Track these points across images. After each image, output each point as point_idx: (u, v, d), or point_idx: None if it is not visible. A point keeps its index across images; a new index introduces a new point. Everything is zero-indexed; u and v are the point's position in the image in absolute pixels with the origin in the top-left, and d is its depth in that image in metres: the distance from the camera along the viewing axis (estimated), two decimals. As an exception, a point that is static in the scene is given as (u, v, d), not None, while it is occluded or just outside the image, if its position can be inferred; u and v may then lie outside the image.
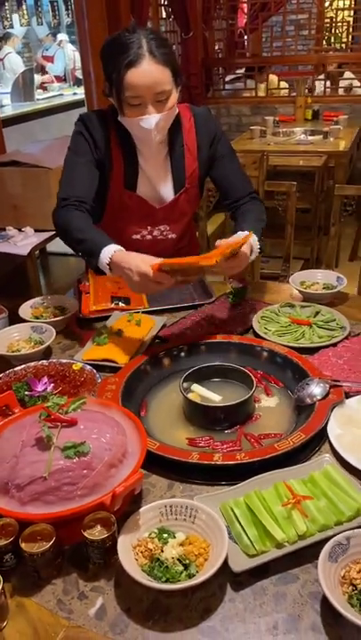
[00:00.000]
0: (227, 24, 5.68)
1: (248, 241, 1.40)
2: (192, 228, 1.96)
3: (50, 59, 8.04)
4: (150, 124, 1.47)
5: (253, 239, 1.48)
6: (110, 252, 1.39)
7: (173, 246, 1.79)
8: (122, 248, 1.41)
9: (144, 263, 1.32)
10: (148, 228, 1.73)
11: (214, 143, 1.68)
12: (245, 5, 5.56)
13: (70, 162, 1.61)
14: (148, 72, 1.41)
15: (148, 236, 1.74)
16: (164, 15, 4.96)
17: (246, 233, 1.43)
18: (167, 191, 1.69)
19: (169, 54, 1.45)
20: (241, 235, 1.45)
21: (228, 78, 5.65)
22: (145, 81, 1.41)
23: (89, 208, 1.57)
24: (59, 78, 8.12)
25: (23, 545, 0.86)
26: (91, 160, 1.59)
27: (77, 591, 0.87)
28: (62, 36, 8.38)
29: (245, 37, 5.98)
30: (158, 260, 1.32)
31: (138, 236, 1.73)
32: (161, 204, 1.70)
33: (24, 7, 7.14)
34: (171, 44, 1.58)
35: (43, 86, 7.69)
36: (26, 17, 7.18)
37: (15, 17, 7.05)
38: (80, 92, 7.20)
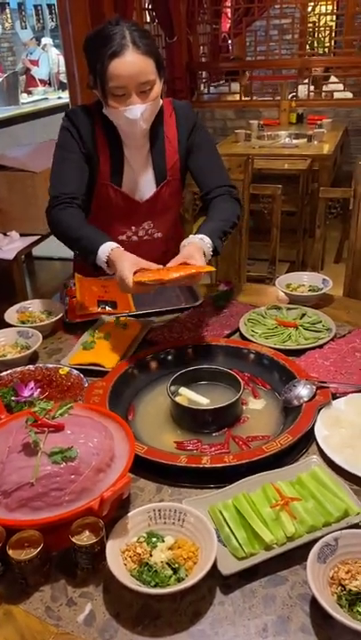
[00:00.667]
0: (211, 28, 5.70)
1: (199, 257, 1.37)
2: (179, 230, 1.96)
3: (34, 62, 8.01)
4: (135, 114, 1.48)
5: (206, 243, 1.43)
6: (108, 249, 1.41)
7: (161, 247, 1.79)
8: (118, 245, 1.43)
9: (129, 270, 1.33)
10: (133, 228, 1.73)
11: (192, 133, 1.68)
12: (229, 10, 5.59)
13: (59, 158, 1.62)
14: (131, 62, 1.42)
15: (134, 237, 1.74)
16: (148, 19, 4.97)
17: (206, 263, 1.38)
18: (149, 184, 1.70)
19: (152, 45, 1.47)
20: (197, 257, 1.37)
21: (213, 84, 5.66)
22: (129, 71, 1.42)
23: (81, 203, 1.58)
24: (43, 82, 8.10)
25: (10, 552, 0.85)
26: (79, 155, 1.60)
27: (66, 597, 0.86)
28: (46, 40, 8.35)
29: (229, 42, 6.01)
30: (146, 264, 1.35)
31: (124, 237, 1.73)
32: (143, 198, 1.70)
33: (7, 11, 7.11)
34: (153, 36, 1.58)
35: (27, 90, 7.65)
36: (9, 21, 7.15)
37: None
38: (65, 97, 7.18)
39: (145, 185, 1.69)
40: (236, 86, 5.53)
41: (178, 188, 1.76)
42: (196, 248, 1.39)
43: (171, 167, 1.68)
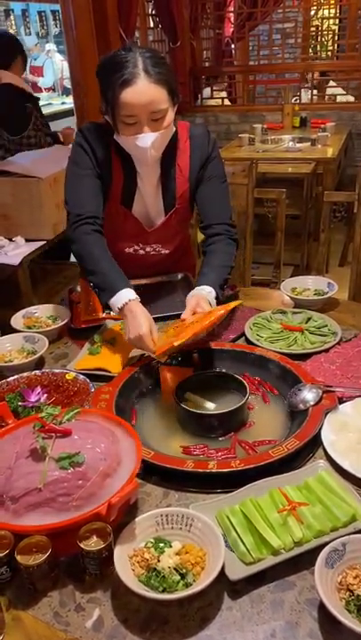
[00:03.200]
0: (214, 33, 5.73)
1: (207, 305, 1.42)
2: (187, 239, 1.95)
3: (39, 69, 8.05)
4: (146, 142, 1.46)
5: (210, 295, 1.47)
6: (125, 299, 1.41)
7: (168, 259, 1.79)
8: (137, 297, 1.43)
9: (147, 327, 1.35)
10: (140, 244, 1.73)
11: (206, 164, 1.65)
12: (232, 15, 5.62)
13: (74, 174, 1.60)
14: (142, 91, 1.39)
15: (141, 251, 1.74)
16: (151, 25, 4.99)
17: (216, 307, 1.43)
18: (158, 212, 1.69)
19: (165, 73, 1.43)
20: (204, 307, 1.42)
21: (215, 88, 5.69)
22: (139, 100, 1.40)
23: (101, 223, 1.57)
24: (47, 88, 8.14)
25: (19, 557, 0.86)
26: (93, 172, 1.58)
27: (74, 603, 0.86)
28: (50, 46, 8.40)
29: (232, 46, 6.03)
30: (161, 341, 1.37)
31: (131, 250, 1.73)
32: (152, 227, 1.69)
33: (12, 17, 7.16)
34: (167, 62, 1.55)
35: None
36: (14, 27, 7.20)
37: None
38: (68, 102, 7.22)
39: (154, 211, 1.69)
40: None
41: (187, 214, 1.75)
42: (203, 298, 1.44)
43: (180, 195, 1.66)
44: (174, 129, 1.58)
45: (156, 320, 1.63)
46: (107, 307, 1.48)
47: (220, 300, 1.50)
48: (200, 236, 2.60)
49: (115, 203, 1.64)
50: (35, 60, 8.16)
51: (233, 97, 5.78)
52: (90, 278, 1.51)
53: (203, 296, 1.45)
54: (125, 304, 1.40)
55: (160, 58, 1.47)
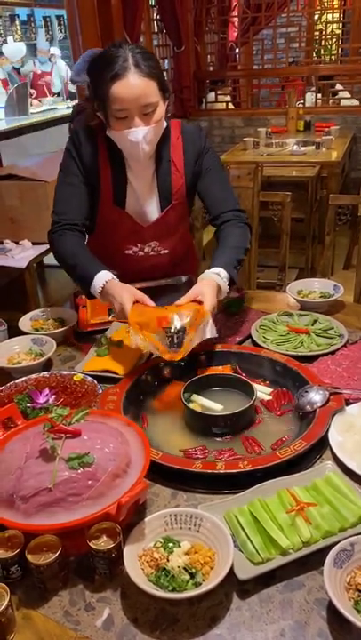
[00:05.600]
0: (218, 37, 5.76)
1: (212, 292, 1.39)
2: (188, 240, 1.96)
3: (47, 73, 8.08)
4: (138, 136, 1.48)
5: (222, 278, 1.45)
6: (102, 281, 1.44)
7: (169, 261, 1.79)
8: (113, 277, 1.45)
9: (128, 299, 1.38)
10: (139, 245, 1.73)
11: (200, 157, 1.66)
12: (236, 19, 5.64)
13: (61, 181, 1.63)
14: (133, 84, 1.41)
15: (140, 252, 1.74)
16: (156, 29, 5.02)
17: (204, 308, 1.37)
18: (154, 207, 1.69)
19: (155, 67, 1.45)
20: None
21: (219, 92, 5.71)
22: (130, 93, 1.42)
23: (81, 228, 1.59)
24: (52, 92, 8.17)
25: (29, 557, 0.86)
26: (79, 177, 1.60)
27: (84, 602, 0.87)
28: (55, 51, 8.44)
29: (237, 50, 6.05)
30: (141, 297, 1.40)
31: (130, 252, 1.73)
32: (148, 223, 1.69)
33: (17, 23, 7.21)
34: (157, 58, 1.57)
35: (37, 99, 7.73)
36: (19, 32, 7.25)
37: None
38: (73, 106, 7.24)
39: (149, 208, 1.68)
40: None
41: (184, 210, 1.75)
42: (209, 285, 1.41)
43: (176, 191, 1.67)
44: (166, 124, 1.59)
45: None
46: (91, 296, 1.49)
47: (234, 282, 1.49)
48: (205, 239, 2.61)
49: (107, 204, 1.65)
50: (42, 64, 8.20)
51: (237, 101, 5.80)
52: (70, 274, 1.53)
53: (211, 283, 1.42)
54: (103, 287, 1.43)
55: (149, 53, 1.50)
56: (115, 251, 1.71)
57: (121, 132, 1.49)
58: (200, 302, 1.37)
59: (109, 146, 1.59)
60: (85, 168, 1.60)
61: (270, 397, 1.30)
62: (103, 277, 1.44)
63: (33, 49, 7.81)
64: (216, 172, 1.69)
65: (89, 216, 1.64)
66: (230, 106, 5.60)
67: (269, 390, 1.32)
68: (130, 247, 1.73)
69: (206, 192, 1.68)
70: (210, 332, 1.36)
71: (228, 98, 5.71)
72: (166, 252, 1.76)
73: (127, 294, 1.39)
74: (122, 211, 1.66)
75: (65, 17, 6.52)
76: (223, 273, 1.45)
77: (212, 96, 5.62)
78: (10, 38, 7.16)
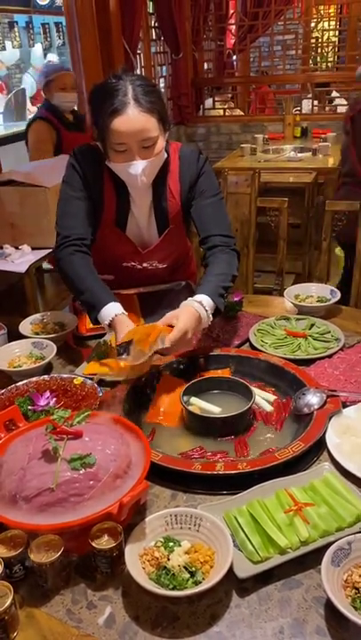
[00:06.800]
0: (216, 45, 5.81)
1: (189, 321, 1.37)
2: (186, 248, 1.93)
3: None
4: (137, 170, 1.47)
5: (204, 306, 1.42)
6: (112, 314, 1.43)
7: (166, 275, 1.80)
8: (123, 312, 1.44)
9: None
10: (137, 261, 1.73)
11: (196, 180, 1.64)
12: (234, 27, 5.69)
13: (65, 196, 1.61)
14: (132, 120, 1.40)
15: (138, 266, 1.74)
16: (154, 37, 5.06)
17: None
18: (152, 233, 1.69)
19: (155, 102, 1.44)
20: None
21: (217, 98, 5.76)
22: (129, 128, 1.41)
23: (89, 244, 1.59)
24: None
25: (32, 556, 0.88)
26: (85, 195, 1.59)
27: (86, 601, 0.88)
28: (52, 57, 8.48)
29: (234, 57, 6.11)
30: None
31: (128, 265, 1.73)
32: (146, 249, 1.70)
33: (16, 29, 7.23)
34: (158, 89, 1.56)
35: (35, 105, 7.77)
36: (18, 39, 7.27)
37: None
38: (71, 112, 7.27)
39: (148, 233, 1.69)
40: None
41: (182, 231, 1.75)
42: (188, 312, 1.39)
43: (173, 217, 1.67)
44: (166, 155, 1.57)
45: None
46: (96, 322, 1.48)
47: (220, 311, 1.47)
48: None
49: (108, 224, 1.64)
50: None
51: (237, 107, 5.84)
52: (77, 298, 1.52)
53: (187, 309, 1.40)
54: (112, 319, 1.42)
55: (151, 85, 1.48)
56: (113, 263, 1.72)
57: (119, 165, 1.49)
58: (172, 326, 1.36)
59: (112, 170, 1.56)
60: (89, 185, 1.59)
61: (272, 409, 1.29)
62: (112, 311, 1.43)
63: (29, 57, 7.84)
64: (211, 194, 1.65)
65: (93, 232, 1.63)
66: (228, 112, 5.64)
67: (273, 399, 1.32)
68: (128, 261, 1.73)
69: (198, 215, 1.65)
70: (161, 342, 1.33)
71: (227, 105, 5.75)
72: (164, 266, 1.77)
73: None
74: (122, 233, 1.66)
75: (63, 24, 6.57)
76: (206, 301, 1.42)
77: (209, 102, 5.67)
78: (8, 45, 7.19)
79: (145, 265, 1.74)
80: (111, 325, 1.44)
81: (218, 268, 1.55)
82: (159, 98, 1.47)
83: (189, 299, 1.44)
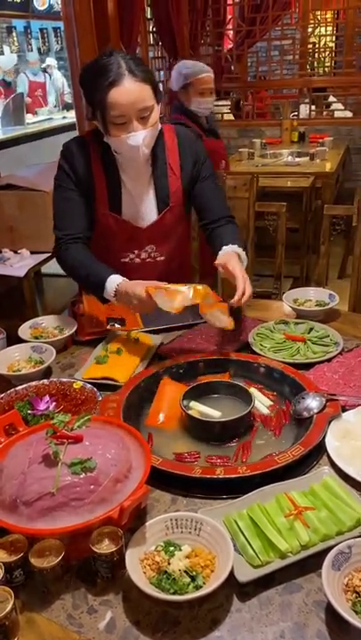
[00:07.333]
0: (213, 50, 5.82)
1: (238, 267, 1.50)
2: (185, 247, 1.98)
3: (41, 85, 8.14)
4: (138, 140, 1.52)
5: (238, 249, 1.60)
6: (114, 283, 1.50)
7: (164, 269, 1.81)
8: (124, 278, 1.51)
9: (141, 287, 1.44)
10: (135, 251, 1.75)
11: (198, 164, 1.72)
12: (231, 32, 5.71)
13: (58, 196, 1.67)
14: (129, 89, 1.46)
15: (137, 259, 1.77)
16: (152, 41, 5.08)
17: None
18: (151, 210, 1.72)
19: (147, 71, 1.51)
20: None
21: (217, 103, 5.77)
22: (128, 98, 1.47)
23: (86, 240, 1.64)
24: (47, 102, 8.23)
25: (32, 560, 0.88)
26: (75, 191, 1.64)
27: (87, 605, 0.88)
28: (51, 61, 8.49)
29: (231, 62, 6.12)
30: (152, 284, 1.45)
31: (126, 260, 1.76)
32: (145, 225, 1.73)
33: (14, 34, 7.26)
34: (146, 63, 1.68)
35: (33, 110, 7.78)
36: (16, 44, 7.30)
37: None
38: (69, 116, 7.29)
39: (146, 211, 1.72)
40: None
41: (181, 213, 1.79)
42: (232, 255, 1.53)
43: (173, 193, 1.71)
44: (160, 126, 1.64)
45: (164, 330, 1.67)
46: (105, 301, 1.56)
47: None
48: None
49: (103, 211, 1.68)
50: (34, 75, 8.25)
51: (236, 112, 5.84)
52: (82, 284, 1.58)
53: (232, 253, 1.55)
54: (116, 290, 1.49)
55: (139, 59, 1.56)
56: (112, 259, 1.73)
57: (120, 138, 1.53)
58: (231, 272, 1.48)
59: (101, 152, 1.63)
60: (79, 180, 1.64)
61: (269, 412, 1.29)
62: (114, 281, 1.50)
63: (27, 61, 7.87)
64: (212, 179, 1.77)
65: (90, 226, 1.67)
66: (226, 117, 5.65)
67: (269, 403, 1.32)
68: (126, 255, 1.75)
69: (201, 198, 1.75)
70: (220, 321, 1.47)
71: (226, 109, 5.76)
72: (162, 258, 1.79)
73: (140, 286, 1.45)
74: (117, 217, 1.69)
75: (62, 29, 6.59)
76: (236, 246, 1.58)
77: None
78: (6, 49, 7.21)
79: (143, 256, 1.76)
80: (118, 296, 1.49)
81: (231, 233, 1.69)
82: (149, 69, 1.56)
83: (224, 247, 1.59)
